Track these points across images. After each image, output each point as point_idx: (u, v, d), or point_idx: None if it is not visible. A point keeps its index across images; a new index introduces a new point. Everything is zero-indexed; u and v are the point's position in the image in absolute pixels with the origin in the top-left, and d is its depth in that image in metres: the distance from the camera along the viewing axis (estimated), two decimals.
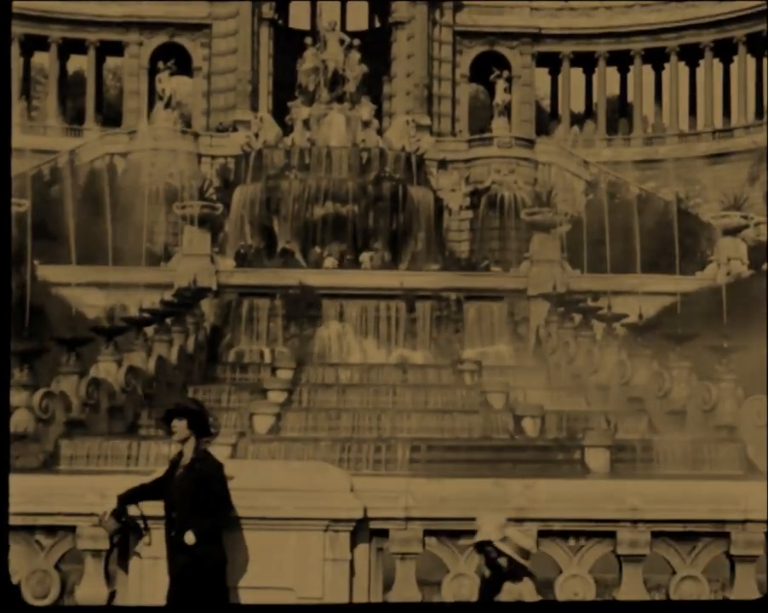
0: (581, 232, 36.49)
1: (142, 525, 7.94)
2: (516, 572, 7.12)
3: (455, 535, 8.32)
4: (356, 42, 52.62)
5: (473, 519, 7.43)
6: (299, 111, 51.04)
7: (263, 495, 8.06)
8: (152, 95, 55.44)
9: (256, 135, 51.16)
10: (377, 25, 61.87)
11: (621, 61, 60.53)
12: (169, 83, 53.85)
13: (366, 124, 50.72)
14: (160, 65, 54.16)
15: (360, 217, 45.13)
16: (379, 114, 53.63)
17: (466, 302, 35.53)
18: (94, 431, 23.01)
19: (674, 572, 8.52)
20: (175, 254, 37.82)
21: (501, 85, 56.18)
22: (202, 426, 7.93)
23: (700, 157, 55.90)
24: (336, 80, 51.13)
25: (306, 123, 50.25)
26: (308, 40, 53.27)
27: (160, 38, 57.05)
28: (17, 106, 52.35)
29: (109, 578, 8.46)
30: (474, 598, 8.24)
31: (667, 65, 60.16)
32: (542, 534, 8.38)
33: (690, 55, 59.30)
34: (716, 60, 59.05)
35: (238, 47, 55.39)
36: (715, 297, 29.64)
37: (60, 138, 54.97)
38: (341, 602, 8.03)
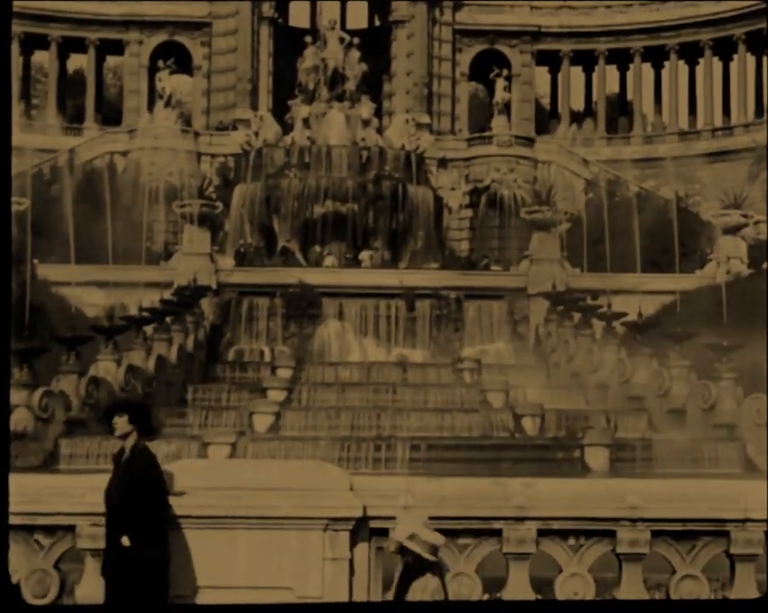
0: (581, 230, 36.51)
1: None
2: (423, 568, 7.07)
3: (454, 534, 8.31)
4: (356, 40, 52.61)
5: (473, 519, 7.44)
6: (299, 109, 51.03)
7: (263, 494, 8.06)
8: (152, 94, 55.44)
9: (256, 134, 51.13)
10: (377, 23, 61.87)
11: (621, 60, 60.53)
12: (169, 81, 53.85)
13: (366, 123, 50.70)
14: (160, 63, 54.16)
15: (360, 216, 45.13)
16: (379, 113, 53.62)
17: (465, 301, 35.51)
18: (93, 430, 22.98)
19: (674, 571, 8.51)
20: (175, 253, 37.79)
21: (500, 83, 56.17)
22: (144, 423, 7.81)
23: (700, 155, 55.91)
24: (336, 79, 51.12)
25: (305, 122, 50.23)
26: (308, 39, 53.21)
27: (160, 37, 57.05)
28: (17, 105, 52.35)
29: None
30: (475, 597, 8.25)
31: (666, 64, 60.14)
32: (542, 533, 8.38)
33: (690, 54, 59.30)
34: (716, 59, 59.04)
35: (238, 45, 55.39)
36: (715, 296, 29.65)
37: (59, 137, 54.97)
38: (340, 601, 8.02)
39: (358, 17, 63.57)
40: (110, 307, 31.09)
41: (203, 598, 8.00)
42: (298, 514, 8.04)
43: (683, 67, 60.06)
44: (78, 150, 53.63)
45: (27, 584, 8.31)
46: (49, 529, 8.34)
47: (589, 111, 61.99)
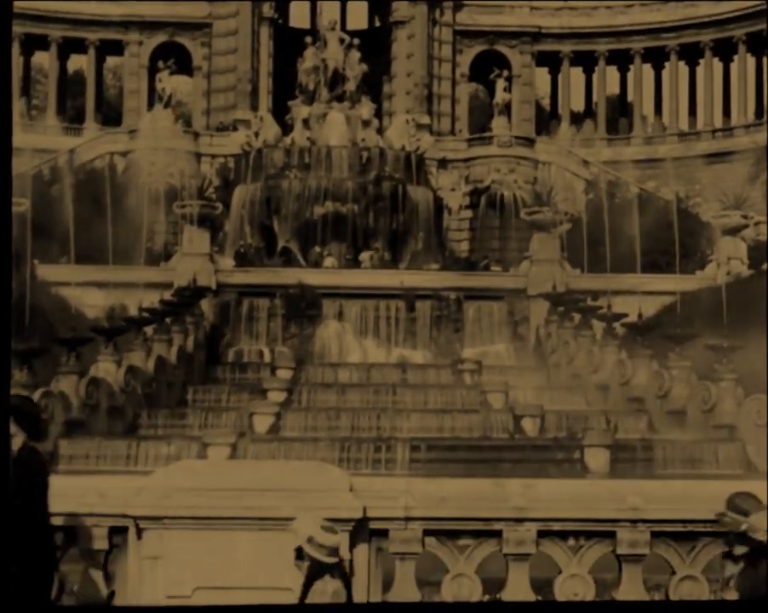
0: (581, 231, 36.49)
1: None
2: (323, 571, 6.96)
3: (454, 535, 8.31)
4: (356, 41, 52.59)
5: (473, 519, 7.43)
6: (299, 110, 51.02)
7: (263, 494, 8.06)
8: (152, 95, 55.40)
9: (256, 135, 51.14)
10: (377, 24, 61.84)
11: (621, 60, 60.51)
12: (169, 82, 53.83)
13: (366, 124, 50.71)
14: (160, 64, 54.12)
15: (360, 216, 45.13)
16: (379, 113, 53.62)
17: (465, 302, 35.49)
18: (93, 431, 23.01)
19: (674, 572, 8.51)
20: (175, 254, 37.77)
21: (500, 84, 56.13)
22: (31, 426, 7.27)
23: (700, 156, 55.93)
24: (336, 79, 51.12)
25: (305, 123, 50.23)
26: (308, 39, 53.20)
27: (160, 37, 57.03)
28: (17, 106, 52.34)
29: (108, 578, 8.45)
30: (475, 598, 8.25)
31: (667, 65, 60.12)
32: (542, 534, 8.38)
33: (690, 55, 59.29)
34: (716, 60, 59.02)
35: (238, 46, 55.37)
36: (715, 297, 29.67)
37: (59, 137, 54.96)
38: (340, 601, 8.01)
39: (358, 18, 63.58)
40: (110, 308, 31.10)
41: (203, 599, 7.99)
42: (298, 515, 8.02)
43: (683, 68, 60.06)
44: (78, 150, 53.61)
45: None
46: None
47: (589, 112, 62.00)
